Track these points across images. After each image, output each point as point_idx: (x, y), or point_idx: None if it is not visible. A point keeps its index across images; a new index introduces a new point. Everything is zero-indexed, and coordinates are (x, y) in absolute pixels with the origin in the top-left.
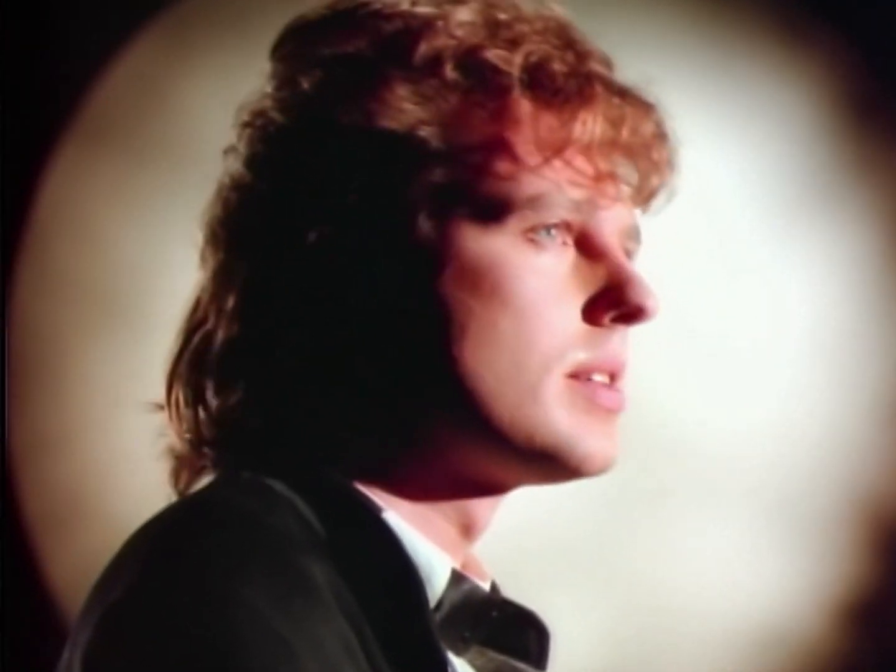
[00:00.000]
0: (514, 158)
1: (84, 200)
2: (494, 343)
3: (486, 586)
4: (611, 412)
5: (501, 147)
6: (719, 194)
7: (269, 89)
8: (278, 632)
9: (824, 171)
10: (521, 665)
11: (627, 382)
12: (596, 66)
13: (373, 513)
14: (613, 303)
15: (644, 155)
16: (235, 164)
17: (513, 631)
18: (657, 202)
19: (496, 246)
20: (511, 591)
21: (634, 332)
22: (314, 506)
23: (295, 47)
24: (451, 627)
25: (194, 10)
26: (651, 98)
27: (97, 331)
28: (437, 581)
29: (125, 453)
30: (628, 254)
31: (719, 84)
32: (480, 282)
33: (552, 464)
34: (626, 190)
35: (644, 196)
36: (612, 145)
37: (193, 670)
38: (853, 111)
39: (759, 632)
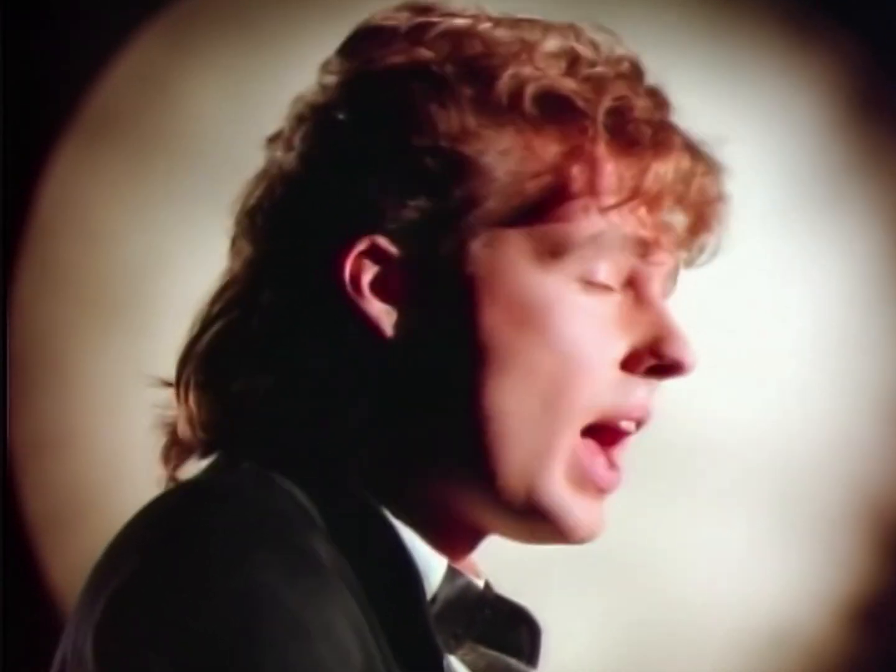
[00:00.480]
0: (583, 200)
1: (85, 199)
2: (531, 382)
3: (480, 583)
4: (602, 492)
5: (572, 186)
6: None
7: (331, 85)
8: (291, 609)
9: (831, 170)
10: (513, 661)
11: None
12: (671, 117)
13: (372, 507)
14: (653, 355)
15: (701, 213)
16: (288, 157)
17: (505, 628)
18: (702, 258)
19: (551, 284)
20: (510, 591)
21: None
22: (312, 497)
23: (368, 48)
24: (444, 623)
25: (196, 6)
26: (719, 158)
27: (98, 330)
28: (432, 576)
29: (126, 453)
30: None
31: (724, 83)
32: (529, 319)
33: (540, 526)
34: (681, 248)
35: (691, 250)
36: (678, 200)
37: (207, 648)
38: (861, 110)
39: (764, 632)
